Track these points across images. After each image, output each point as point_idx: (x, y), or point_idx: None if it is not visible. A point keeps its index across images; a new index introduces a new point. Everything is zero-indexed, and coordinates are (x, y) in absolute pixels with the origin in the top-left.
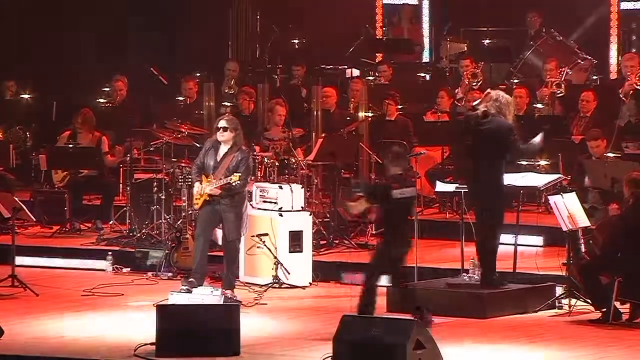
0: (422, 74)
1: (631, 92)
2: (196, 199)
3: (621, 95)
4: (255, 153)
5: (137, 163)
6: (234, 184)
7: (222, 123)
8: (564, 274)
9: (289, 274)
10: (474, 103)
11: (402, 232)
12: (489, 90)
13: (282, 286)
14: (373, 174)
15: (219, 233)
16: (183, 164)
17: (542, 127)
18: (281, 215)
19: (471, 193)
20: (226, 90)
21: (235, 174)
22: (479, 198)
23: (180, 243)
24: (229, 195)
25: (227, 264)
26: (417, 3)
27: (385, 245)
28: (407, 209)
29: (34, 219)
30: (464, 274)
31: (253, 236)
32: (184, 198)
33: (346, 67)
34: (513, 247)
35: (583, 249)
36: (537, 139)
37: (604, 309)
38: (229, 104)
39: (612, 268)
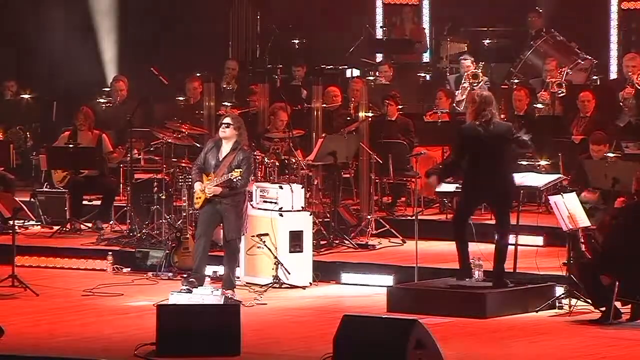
0: (422, 74)
1: (633, 93)
2: (197, 198)
3: (620, 101)
4: (255, 153)
5: (137, 163)
6: (234, 179)
7: (226, 120)
8: (564, 274)
9: (289, 274)
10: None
11: None
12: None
13: (282, 286)
14: (373, 174)
15: (219, 233)
16: (183, 164)
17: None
18: (281, 215)
19: (482, 193)
20: (224, 86)
21: (235, 169)
22: (492, 198)
23: (180, 243)
24: (230, 195)
25: (228, 264)
26: (418, 3)
27: None
28: None
29: (34, 219)
30: None
31: (253, 236)
32: (184, 198)
33: (346, 67)
34: (513, 247)
35: (584, 248)
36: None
37: (604, 309)
38: (229, 104)
39: (613, 268)
